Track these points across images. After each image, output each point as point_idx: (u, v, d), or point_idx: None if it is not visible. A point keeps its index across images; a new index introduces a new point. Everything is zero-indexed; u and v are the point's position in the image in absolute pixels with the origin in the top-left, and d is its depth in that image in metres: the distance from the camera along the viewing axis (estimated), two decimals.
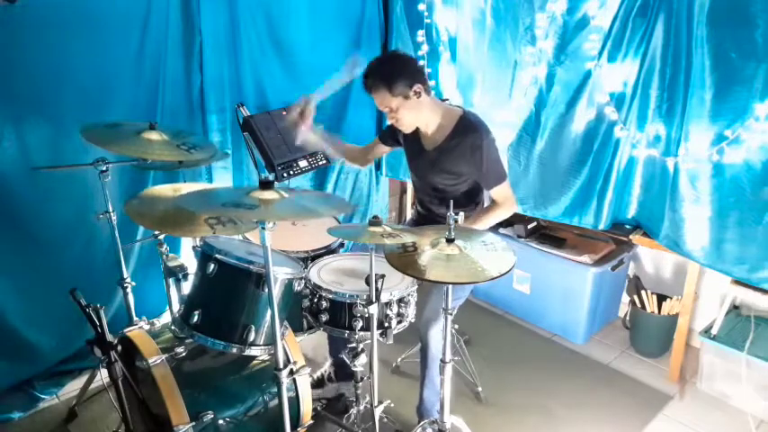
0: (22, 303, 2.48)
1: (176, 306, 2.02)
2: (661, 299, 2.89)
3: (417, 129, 2.33)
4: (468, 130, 2.19)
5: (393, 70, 2.11)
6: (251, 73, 2.92)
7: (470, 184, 2.29)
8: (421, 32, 3.24)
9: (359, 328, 1.97)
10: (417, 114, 2.18)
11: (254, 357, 2.02)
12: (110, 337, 1.55)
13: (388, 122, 2.23)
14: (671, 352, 2.77)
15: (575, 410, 2.57)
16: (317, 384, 2.54)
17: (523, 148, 2.90)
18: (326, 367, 2.60)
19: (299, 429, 2.08)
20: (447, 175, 2.25)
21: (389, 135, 2.49)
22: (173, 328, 1.92)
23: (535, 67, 2.76)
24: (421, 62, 3.22)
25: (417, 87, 2.11)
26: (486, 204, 2.40)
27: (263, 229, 1.53)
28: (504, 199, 2.26)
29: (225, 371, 2.03)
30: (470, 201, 2.34)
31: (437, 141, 2.26)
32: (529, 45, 2.75)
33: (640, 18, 2.39)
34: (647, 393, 2.69)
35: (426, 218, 2.43)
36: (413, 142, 2.36)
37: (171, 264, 2.01)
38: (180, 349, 1.91)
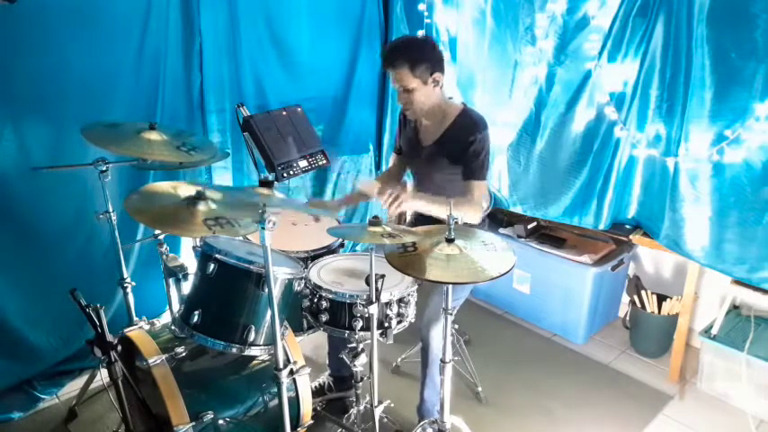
0: (22, 303, 2.48)
1: (176, 306, 2.02)
2: (661, 299, 2.89)
3: (418, 125, 2.34)
4: (467, 122, 2.21)
5: (421, 52, 2.12)
6: (251, 73, 2.92)
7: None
8: (421, 32, 3.24)
9: (359, 328, 1.96)
10: (428, 102, 2.19)
11: (254, 357, 2.02)
12: (110, 337, 1.55)
13: (398, 103, 2.23)
14: (671, 352, 2.76)
15: (575, 410, 2.57)
16: (317, 393, 2.53)
17: (523, 148, 2.90)
18: (325, 377, 2.60)
19: (299, 429, 2.08)
20: (446, 168, 2.25)
21: (399, 142, 2.50)
22: (173, 328, 1.92)
23: (535, 67, 2.76)
24: None
25: (437, 76, 2.14)
26: (480, 203, 2.38)
27: (263, 228, 1.53)
28: (471, 194, 2.19)
29: (225, 371, 2.03)
30: None
31: (436, 135, 2.27)
32: (529, 45, 2.75)
33: (640, 18, 2.39)
34: (647, 393, 2.68)
35: (425, 219, 2.43)
36: (411, 140, 2.37)
37: (171, 264, 2.01)
38: (180, 349, 1.91)
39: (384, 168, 3.66)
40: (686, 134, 2.35)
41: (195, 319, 1.82)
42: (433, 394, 2.25)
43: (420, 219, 2.47)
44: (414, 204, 2.12)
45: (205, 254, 1.86)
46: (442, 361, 1.91)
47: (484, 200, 2.28)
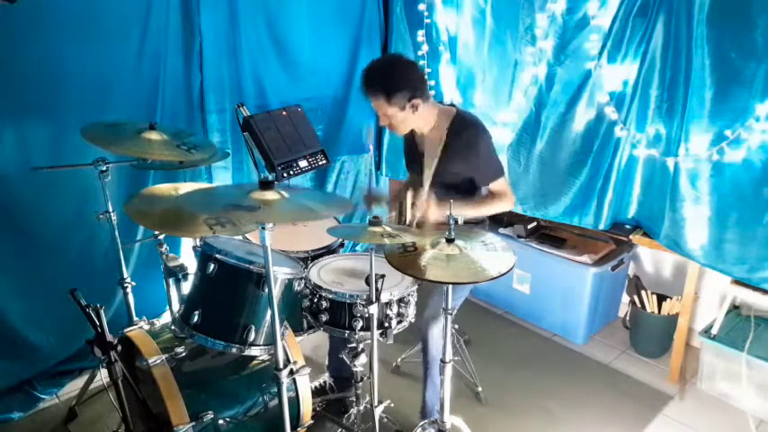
0: (22, 303, 2.48)
1: (176, 306, 2.02)
2: (661, 299, 2.89)
3: (414, 132, 2.34)
4: (462, 127, 2.19)
5: (394, 81, 2.06)
6: (251, 73, 2.93)
7: (467, 183, 2.29)
8: (421, 32, 3.24)
9: (359, 328, 1.97)
10: (410, 124, 2.18)
11: (254, 357, 2.02)
12: (110, 337, 1.55)
13: (381, 124, 2.24)
14: (671, 352, 2.76)
15: (575, 410, 2.57)
16: (318, 393, 2.53)
17: (523, 148, 2.90)
18: (326, 378, 2.60)
19: (298, 429, 2.08)
20: (449, 173, 2.25)
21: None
22: (173, 328, 1.92)
23: (535, 67, 2.76)
24: (421, 62, 3.22)
25: (415, 102, 2.08)
26: (510, 193, 2.38)
27: (263, 229, 1.53)
28: (501, 193, 2.25)
29: (225, 371, 2.03)
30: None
31: (434, 143, 2.26)
32: (529, 45, 2.75)
33: (640, 18, 2.39)
34: (647, 393, 2.68)
35: None
36: (411, 148, 2.37)
37: (171, 264, 2.01)
38: (180, 349, 1.91)
39: (384, 169, 3.67)
40: (686, 134, 2.35)
41: (195, 319, 1.83)
42: (434, 395, 2.25)
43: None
44: (442, 213, 2.10)
45: (205, 254, 1.86)
46: (442, 361, 1.90)
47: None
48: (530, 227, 3.19)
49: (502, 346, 3.08)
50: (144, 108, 2.59)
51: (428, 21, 3.20)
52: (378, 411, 2.05)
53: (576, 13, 2.55)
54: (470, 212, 2.23)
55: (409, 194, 2.17)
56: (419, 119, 2.18)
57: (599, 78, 2.56)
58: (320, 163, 2.82)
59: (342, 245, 2.46)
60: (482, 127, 2.21)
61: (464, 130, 2.18)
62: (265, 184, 1.58)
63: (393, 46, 3.38)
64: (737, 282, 2.43)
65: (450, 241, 1.72)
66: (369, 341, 1.96)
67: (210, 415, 1.85)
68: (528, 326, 3.25)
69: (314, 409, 2.20)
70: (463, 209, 2.19)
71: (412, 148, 2.36)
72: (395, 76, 2.08)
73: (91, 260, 2.63)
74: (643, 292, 2.92)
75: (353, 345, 2.07)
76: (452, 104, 2.33)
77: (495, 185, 2.24)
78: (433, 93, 2.27)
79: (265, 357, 2.03)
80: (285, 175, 2.64)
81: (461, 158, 2.18)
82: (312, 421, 2.13)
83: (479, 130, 2.18)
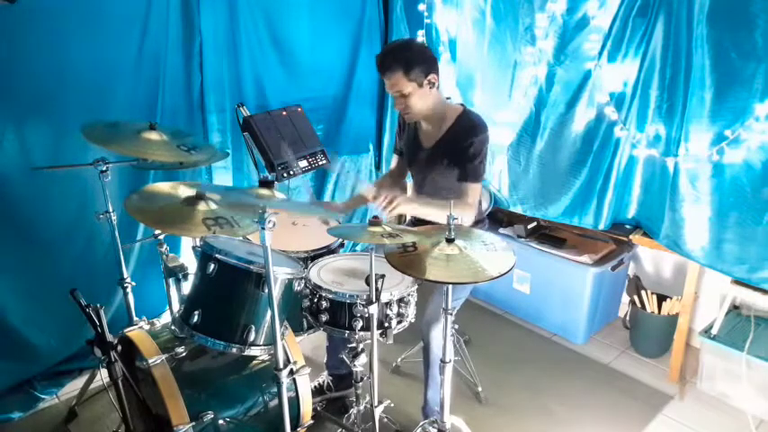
0: (22, 303, 2.48)
1: (176, 306, 2.02)
2: (661, 299, 2.89)
3: (418, 127, 2.33)
4: (467, 124, 2.21)
5: (412, 55, 2.11)
6: (251, 73, 2.93)
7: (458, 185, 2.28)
8: (421, 32, 3.25)
9: (359, 328, 1.96)
10: (426, 104, 2.18)
11: (254, 357, 2.02)
12: (110, 337, 1.55)
13: (396, 108, 2.23)
14: (671, 352, 2.76)
15: (574, 410, 2.57)
16: (317, 393, 2.53)
17: (523, 148, 2.90)
18: (324, 377, 2.60)
19: (299, 429, 2.08)
20: (445, 170, 2.25)
21: (399, 144, 2.50)
22: (173, 328, 1.92)
23: (535, 67, 2.76)
24: None
25: (432, 77, 2.13)
26: (481, 204, 2.39)
27: (263, 228, 1.53)
28: (466, 197, 2.19)
29: (225, 371, 2.03)
30: None
31: (436, 136, 2.27)
32: (529, 45, 2.75)
33: (640, 18, 2.39)
34: (647, 393, 2.69)
35: (424, 219, 2.43)
36: (412, 141, 2.37)
37: (171, 264, 2.01)
38: (180, 349, 1.91)
39: (384, 169, 3.67)
40: (686, 134, 2.35)
41: (195, 319, 1.82)
42: (436, 394, 2.25)
43: (420, 220, 2.47)
44: (408, 208, 2.13)
45: (205, 254, 1.86)
46: (442, 361, 1.91)
47: (484, 200, 2.28)
48: (530, 227, 3.19)
49: (502, 346, 3.08)
50: (144, 108, 2.59)
51: (428, 21, 3.21)
52: (378, 411, 2.05)
53: (576, 13, 2.55)
54: (429, 210, 2.13)
55: (409, 193, 2.16)
56: (435, 99, 2.19)
57: (599, 78, 2.56)
58: (320, 163, 2.83)
59: (342, 245, 2.46)
60: (486, 128, 2.22)
61: (469, 127, 2.19)
62: (265, 184, 1.58)
63: None
64: (737, 282, 2.42)
65: (450, 241, 1.72)
66: (369, 341, 1.96)
67: (210, 415, 1.85)
68: (528, 326, 3.25)
69: (314, 409, 2.20)
70: (423, 204, 2.17)
71: (415, 147, 2.35)
72: (412, 52, 2.14)
73: (91, 260, 2.63)
74: (643, 292, 2.92)
75: (353, 345, 2.07)
76: (460, 103, 2.34)
77: (470, 187, 2.19)
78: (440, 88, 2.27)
79: (265, 357, 2.03)
80: (285, 174, 2.65)
81: (460, 153, 2.18)
82: (312, 421, 2.13)
83: (482, 130, 2.20)
